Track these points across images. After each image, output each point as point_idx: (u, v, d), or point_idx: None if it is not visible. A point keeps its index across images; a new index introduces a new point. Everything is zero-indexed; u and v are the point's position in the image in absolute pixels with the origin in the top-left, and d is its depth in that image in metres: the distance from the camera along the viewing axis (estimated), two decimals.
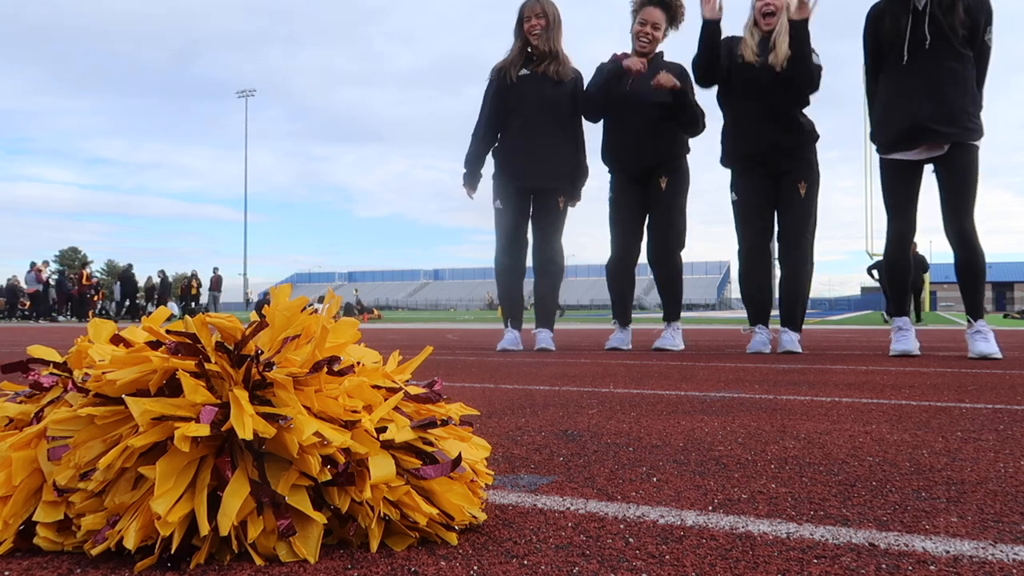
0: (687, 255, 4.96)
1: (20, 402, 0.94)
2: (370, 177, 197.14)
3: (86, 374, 0.86)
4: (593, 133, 4.91)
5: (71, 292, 22.39)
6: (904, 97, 3.82)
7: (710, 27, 4.32)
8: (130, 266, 24.08)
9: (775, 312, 4.98)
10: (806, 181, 4.39)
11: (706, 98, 4.70)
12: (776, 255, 4.65)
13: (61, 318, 22.06)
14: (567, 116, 4.70)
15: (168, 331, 0.89)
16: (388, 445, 0.86)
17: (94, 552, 0.78)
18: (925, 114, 3.74)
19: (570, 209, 4.88)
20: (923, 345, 4.75)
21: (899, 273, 4.03)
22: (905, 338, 4.07)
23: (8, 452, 0.85)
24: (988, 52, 3.82)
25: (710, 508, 1.02)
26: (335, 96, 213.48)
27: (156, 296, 23.87)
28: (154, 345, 0.87)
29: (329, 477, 0.81)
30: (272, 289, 0.97)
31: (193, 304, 24.30)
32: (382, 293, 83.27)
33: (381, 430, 0.86)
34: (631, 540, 0.88)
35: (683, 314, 5.22)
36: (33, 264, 21.62)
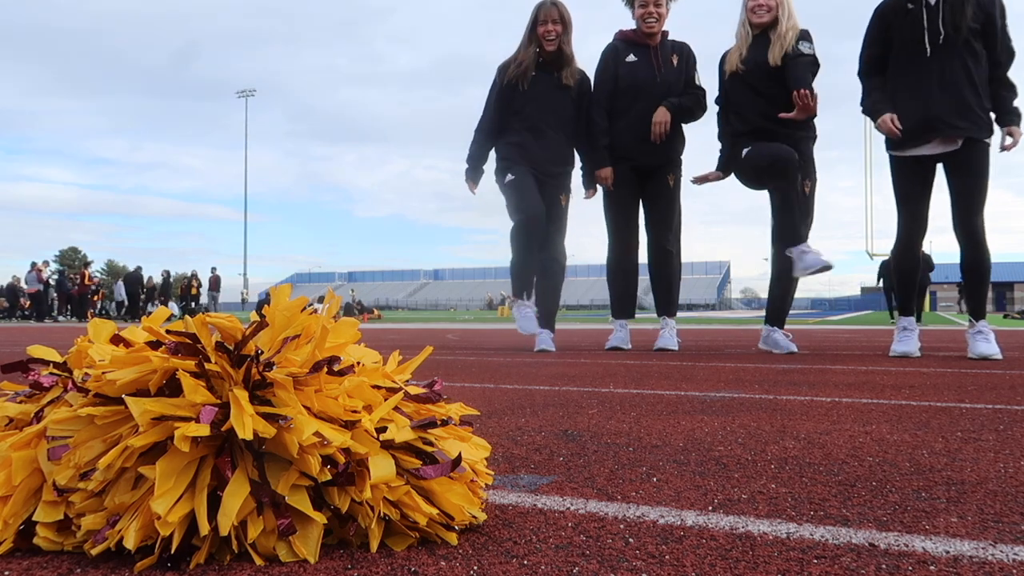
0: (687, 255, 4.97)
1: (20, 402, 0.94)
2: (370, 177, 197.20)
3: (86, 374, 0.86)
4: None
5: (71, 292, 22.40)
6: (917, 91, 3.79)
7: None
8: (139, 269, 24.17)
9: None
10: (809, 180, 4.40)
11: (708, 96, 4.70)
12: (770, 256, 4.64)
13: (61, 318, 22.07)
14: (571, 119, 4.70)
15: (168, 331, 0.89)
16: (388, 445, 0.86)
17: (94, 552, 0.78)
18: (939, 108, 3.73)
19: (569, 209, 4.87)
20: (923, 345, 4.75)
21: (908, 272, 4.02)
22: (908, 339, 4.06)
23: (8, 452, 0.85)
24: (1010, 41, 3.78)
25: (710, 508, 1.02)
26: (335, 96, 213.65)
27: (158, 296, 23.89)
28: (154, 345, 0.87)
29: (329, 477, 0.81)
30: (272, 289, 0.97)
31: (193, 304, 24.31)
32: (382, 293, 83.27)
33: (381, 430, 0.86)
34: (631, 540, 0.88)
35: (683, 314, 5.24)
36: (34, 264, 21.62)
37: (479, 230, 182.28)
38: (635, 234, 4.78)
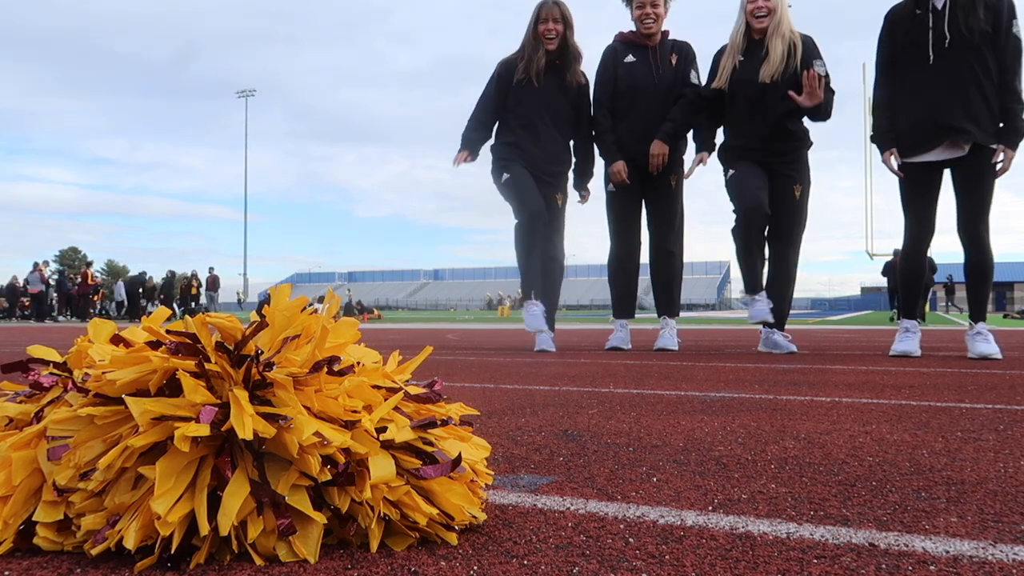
0: (687, 255, 4.96)
1: (20, 402, 0.94)
2: (370, 177, 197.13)
3: (86, 374, 0.86)
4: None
5: (71, 292, 22.41)
6: (925, 96, 3.79)
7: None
8: (143, 274, 24.21)
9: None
10: (801, 184, 4.40)
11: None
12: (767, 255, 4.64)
13: (61, 318, 22.06)
14: (568, 119, 4.69)
15: (168, 331, 0.89)
16: (388, 445, 0.86)
17: (94, 552, 0.78)
18: (948, 112, 3.72)
19: (569, 209, 4.87)
20: (923, 345, 4.75)
21: (914, 277, 4.04)
22: (909, 339, 4.07)
23: (8, 452, 0.85)
24: (1019, 44, 3.76)
25: (710, 508, 1.02)
26: (335, 96, 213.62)
27: (158, 295, 23.89)
28: (154, 345, 0.87)
29: (329, 477, 0.81)
30: (272, 289, 0.97)
31: (193, 304, 24.31)
32: (382, 293, 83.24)
33: (381, 430, 0.86)
34: (631, 540, 0.88)
35: (683, 314, 5.24)
36: (36, 264, 21.63)
37: (479, 230, 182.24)
38: (637, 234, 4.78)
